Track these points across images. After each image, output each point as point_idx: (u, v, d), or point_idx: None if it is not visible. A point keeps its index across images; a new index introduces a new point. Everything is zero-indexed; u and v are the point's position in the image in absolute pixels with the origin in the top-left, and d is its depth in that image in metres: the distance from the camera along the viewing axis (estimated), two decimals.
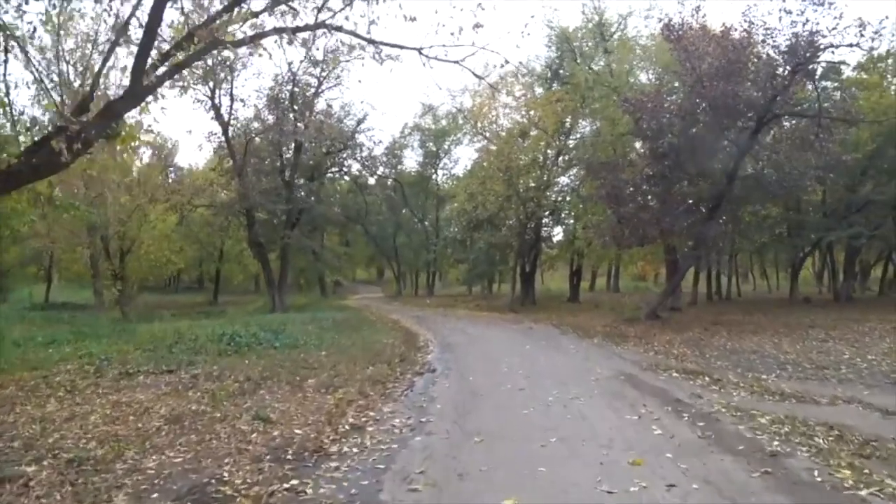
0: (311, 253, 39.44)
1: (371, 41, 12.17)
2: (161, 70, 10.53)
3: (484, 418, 9.53)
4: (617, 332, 21.28)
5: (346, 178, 47.54)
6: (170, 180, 38.90)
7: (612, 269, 54.35)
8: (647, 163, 24.92)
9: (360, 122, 39.82)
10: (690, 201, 24.97)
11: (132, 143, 11.15)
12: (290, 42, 11.29)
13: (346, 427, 9.14)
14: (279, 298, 34.32)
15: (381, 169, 50.68)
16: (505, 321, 27.10)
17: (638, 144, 28.87)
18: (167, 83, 12.47)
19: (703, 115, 23.56)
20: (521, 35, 12.04)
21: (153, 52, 10.74)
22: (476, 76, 14.15)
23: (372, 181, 50.89)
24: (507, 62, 13.38)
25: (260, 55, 11.82)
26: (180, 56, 10.54)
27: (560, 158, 34.72)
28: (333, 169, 43.12)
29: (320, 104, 36.95)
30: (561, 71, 34.35)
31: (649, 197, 24.50)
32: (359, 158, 42.61)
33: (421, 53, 12.48)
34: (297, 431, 8.91)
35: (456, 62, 12.74)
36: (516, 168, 32.88)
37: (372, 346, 17.90)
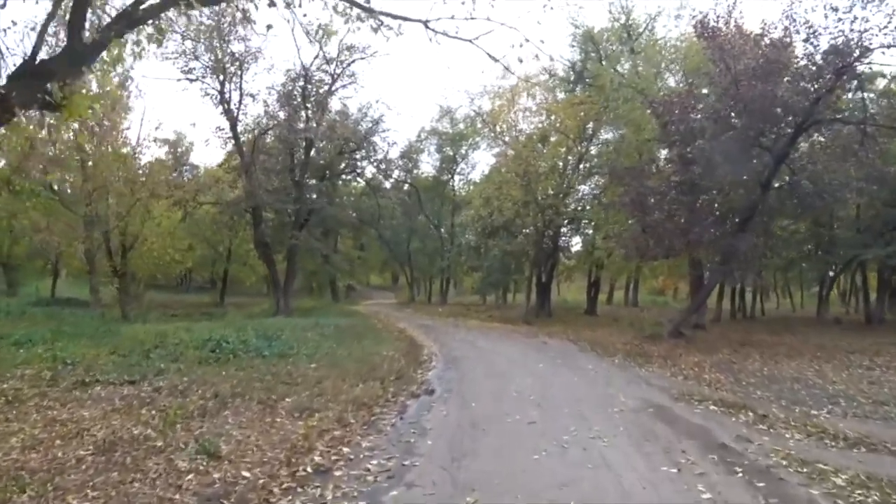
0: (320, 255, 37.39)
1: (368, 10, 10.26)
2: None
3: (483, 464, 7.49)
4: (639, 351, 19.14)
5: (360, 179, 45.44)
6: (185, 178, 36.81)
7: (631, 282, 52.13)
8: (675, 169, 22.80)
9: (375, 122, 37.84)
10: (719, 212, 22.77)
11: (81, 117, 9.12)
12: (272, 4, 9.45)
13: (308, 469, 7.16)
14: (284, 301, 32.42)
15: (396, 172, 48.82)
16: (518, 334, 25.01)
17: (664, 152, 26.77)
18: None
19: (737, 119, 21.40)
20: (544, 9, 10.05)
21: (109, 9, 8.93)
22: (491, 58, 12.19)
23: (387, 185, 48.94)
24: (527, 41, 11.42)
25: (242, 16, 9.93)
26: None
27: (581, 165, 32.62)
28: (346, 170, 41.02)
29: (335, 103, 35.21)
30: (584, 74, 32.19)
31: (675, 206, 22.27)
32: (373, 161, 40.63)
33: (427, 27, 10.56)
34: (245, 474, 6.96)
35: (469, 41, 10.82)
36: (535, 173, 30.87)
37: (369, 359, 15.91)
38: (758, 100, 19.86)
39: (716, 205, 22.62)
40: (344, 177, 44.47)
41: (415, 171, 52.18)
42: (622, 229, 25.48)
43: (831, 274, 35.04)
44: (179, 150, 42.73)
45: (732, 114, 21.43)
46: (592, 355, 18.53)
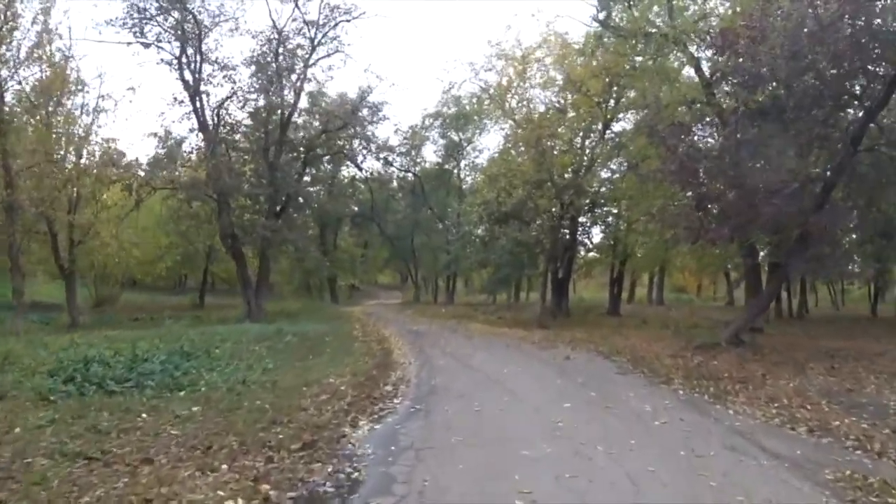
0: (295, 249, 30.55)
1: None
2: None
3: None
4: (701, 371, 12.75)
5: (350, 163, 38.59)
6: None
7: (655, 278, 45.37)
8: (736, 124, 16.34)
9: (365, 95, 31.23)
10: (797, 180, 16.26)
11: None
12: None
13: None
14: (255, 304, 26.09)
15: (398, 161, 42.43)
16: (532, 343, 18.48)
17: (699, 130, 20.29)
18: None
19: (823, 55, 14.95)
20: None
21: None
22: None
23: (383, 172, 42.47)
24: None
25: None
26: None
27: (607, 135, 25.99)
28: (333, 152, 34.02)
29: (318, 73, 28.98)
30: (609, 23, 25.28)
31: (739, 172, 15.64)
32: (363, 141, 33.78)
33: None
34: None
35: None
36: (549, 149, 24.50)
37: (296, 394, 9.69)
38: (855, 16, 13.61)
39: (795, 170, 15.96)
40: (328, 160, 38.10)
41: (418, 159, 45.87)
42: (670, 205, 18.73)
43: None
44: (170, 142, 36.68)
45: (817, 49, 14.94)
46: (639, 379, 12.09)
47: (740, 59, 15.85)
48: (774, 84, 15.90)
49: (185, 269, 43.45)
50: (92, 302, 35.12)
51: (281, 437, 7.19)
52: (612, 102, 26.14)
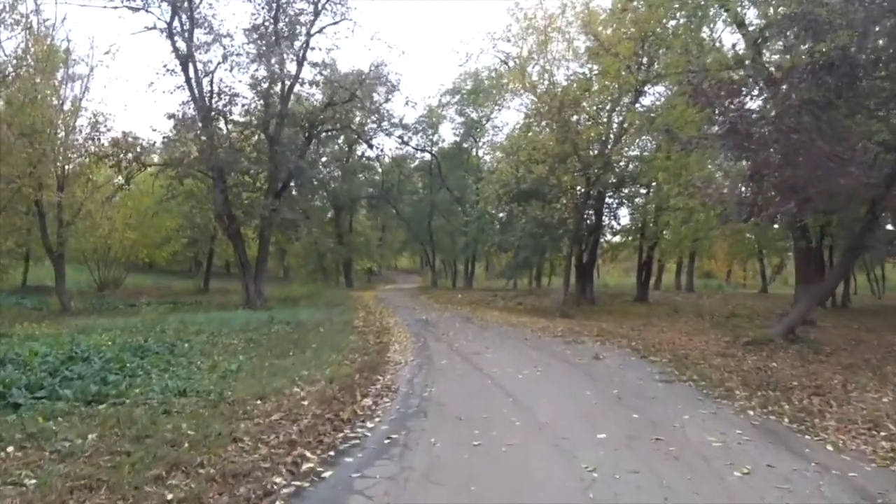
0: (307, 232, 27.90)
1: None
2: None
3: None
4: (761, 377, 10.09)
5: (362, 140, 35.71)
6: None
7: (684, 262, 42.13)
8: (802, 79, 13.42)
9: (375, 67, 28.36)
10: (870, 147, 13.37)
11: None
12: None
13: None
14: (256, 289, 23.69)
15: (414, 139, 39.86)
16: (554, 336, 15.79)
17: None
18: None
19: None
20: None
21: None
22: None
23: (398, 151, 39.99)
24: None
25: None
26: None
27: (635, 106, 23.00)
28: (338, 127, 31.08)
29: (322, 41, 26.38)
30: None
31: (803, 138, 12.74)
32: (377, 119, 31.16)
33: None
34: None
35: None
36: (573, 122, 21.78)
37: (236, 416, 7.17)
38: None
39: (868, 135, 13.08)
40: (342, 140, 35.56)
41: (435, 138, 43.23)
42: (716, 177, 15.78)
43: None
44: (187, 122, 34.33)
45: None
46: (690, 391, 9.33)
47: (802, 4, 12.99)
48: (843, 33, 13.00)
49: (191, 251, 41.03)
50: (95, 285, 33.13)
51: (170, 497, 4.68)
52: (643, 70, 23.26)
